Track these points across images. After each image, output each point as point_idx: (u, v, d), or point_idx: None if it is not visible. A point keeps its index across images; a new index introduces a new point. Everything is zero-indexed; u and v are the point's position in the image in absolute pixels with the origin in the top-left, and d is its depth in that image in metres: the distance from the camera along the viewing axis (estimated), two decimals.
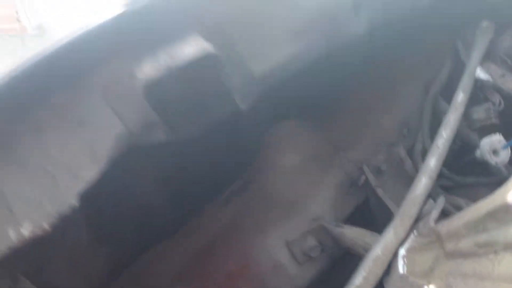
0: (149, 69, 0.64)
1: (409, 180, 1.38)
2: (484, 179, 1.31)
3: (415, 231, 0.96)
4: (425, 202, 1.05)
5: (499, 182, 1.14)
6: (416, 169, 1.34)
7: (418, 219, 1.01)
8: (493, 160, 1.22)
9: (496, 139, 1.22)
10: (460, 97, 1.28)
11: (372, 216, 1.36)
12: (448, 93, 1.49)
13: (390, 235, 0.97)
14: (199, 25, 0.77)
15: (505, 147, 1.20)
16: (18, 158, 0.67)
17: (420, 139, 1.40)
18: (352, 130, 1.37)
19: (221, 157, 1.05)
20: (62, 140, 0.69)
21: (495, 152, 1.22)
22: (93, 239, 0.90)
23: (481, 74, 1.38)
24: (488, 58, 1.51)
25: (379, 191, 1.27)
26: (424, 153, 1.37)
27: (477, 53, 1.46)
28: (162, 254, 1.19)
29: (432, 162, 1.14)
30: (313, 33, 0.91)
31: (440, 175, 1.20)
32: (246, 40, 0.82)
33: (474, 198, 1.31)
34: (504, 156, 1.22)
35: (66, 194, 0.65)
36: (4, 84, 0.70)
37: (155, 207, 1.02)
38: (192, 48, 0.65)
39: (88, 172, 0.66)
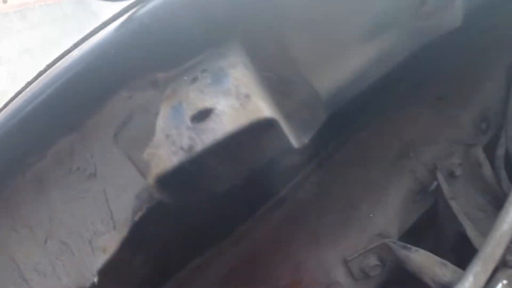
0: (163, 154, 0.44)
1: (487, 187, 1.20)
2: None
3: (505, 281, 0.79)
4: None
5: None
6: (498, 179, 1.14)
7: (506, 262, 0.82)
8: None
9: None
10: None
11: (438, 224, 1.19)
12: None
13: (469, 283, 0.80)
14: (244, 32, 0.57)
15: None
16: (24, 221, 0.54)
17: (502, 142, 1.19)
18: (424, 127, 1.17)
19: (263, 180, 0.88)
20: (71, 199, 0.54)
21: None
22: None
23: None
24: None
25: (453, 205, 1.09)
26: (508, 159, 1.17)
27: None
28: (208, 262, 1.09)
29: None
30: (393, 32, 0.67)
31: None
32: (308, 49, 0.61)
33: None
34: None
35: (85, 269, 0.52)
36: None
37: (196, 226, 0.88)
38: (231, 110, 0.43)
39: (107, 242, 0.52)
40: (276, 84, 0.56)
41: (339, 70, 0.63)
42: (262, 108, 0.44)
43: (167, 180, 0.44)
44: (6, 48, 4.10)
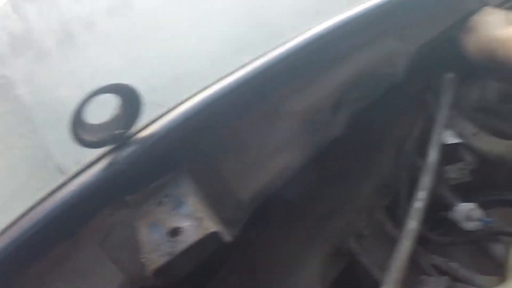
0: (155, 257, 0.66)
1: (391, 241, 1.45)
2: (460, 238, 1.37)
3: None
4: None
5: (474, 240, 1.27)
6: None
7: None
8: (466, 226, 1.29)
9: (470, 208, 1.28)
10: (432, 157, 1.35)
11: (357, 278, 1.41)
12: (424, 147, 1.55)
13: None
14: (190, 164, 0.79)
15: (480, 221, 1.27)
16: None
17: (401, 204, 1.45)
18: (333, 201, 1.41)
19: None
20: None
21: (468, 218, 1.29)
22: None
23: (452, 137, 1.45)
24: (459, 112, 1.57)
25: (363, 259, 1.32)
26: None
27: (443, 111, 1.50)
28: None
29: (412, 225, 1.19)
30: (293, 146, 0.94)
31: None
32: (233, 168, 0.85)
33: (451, 257, 1.39)
34: (477, 223, 1.29)
35: None
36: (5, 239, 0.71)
37: None
38: (192, 228, 0.67)
39: None
40: (216, 198, 0.79)
41: (255, 182, 0.88)
42: (211, 225, 0.68)
43: (160, 271, 0.66)
44: None
